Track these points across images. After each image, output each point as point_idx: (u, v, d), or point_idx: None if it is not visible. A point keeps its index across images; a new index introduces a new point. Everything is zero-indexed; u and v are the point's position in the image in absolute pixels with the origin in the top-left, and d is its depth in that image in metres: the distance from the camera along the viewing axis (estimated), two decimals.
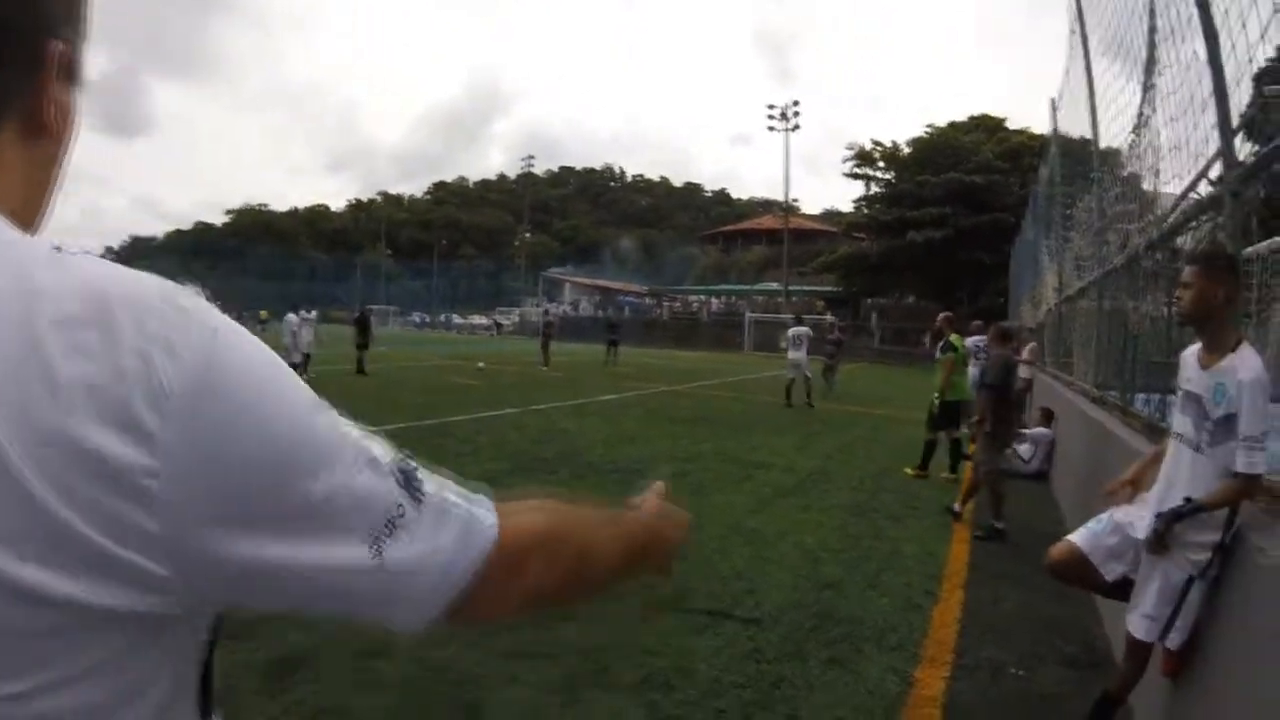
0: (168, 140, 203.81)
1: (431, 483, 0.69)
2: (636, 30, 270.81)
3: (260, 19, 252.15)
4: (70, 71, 0.65)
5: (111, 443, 0.50)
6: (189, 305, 0.57)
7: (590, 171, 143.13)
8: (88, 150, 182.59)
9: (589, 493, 4.71)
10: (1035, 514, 7.65)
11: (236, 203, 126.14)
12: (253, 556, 0.56)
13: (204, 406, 0.54)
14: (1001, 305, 30.08)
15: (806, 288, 55.58)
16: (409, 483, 0.67)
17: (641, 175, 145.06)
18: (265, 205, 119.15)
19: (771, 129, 55.96)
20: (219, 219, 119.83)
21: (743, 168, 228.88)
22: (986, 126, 49.97)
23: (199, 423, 0.53)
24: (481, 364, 25.00)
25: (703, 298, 65.13)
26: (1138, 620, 3.02)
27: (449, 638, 3.96)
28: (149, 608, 0.54)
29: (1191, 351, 3.07)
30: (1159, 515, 2.92)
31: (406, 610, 0.67)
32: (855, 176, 54.64)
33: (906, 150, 51.75)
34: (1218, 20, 3.66)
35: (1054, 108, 13.28)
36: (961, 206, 42.94)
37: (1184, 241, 4.91)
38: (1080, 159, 10.24)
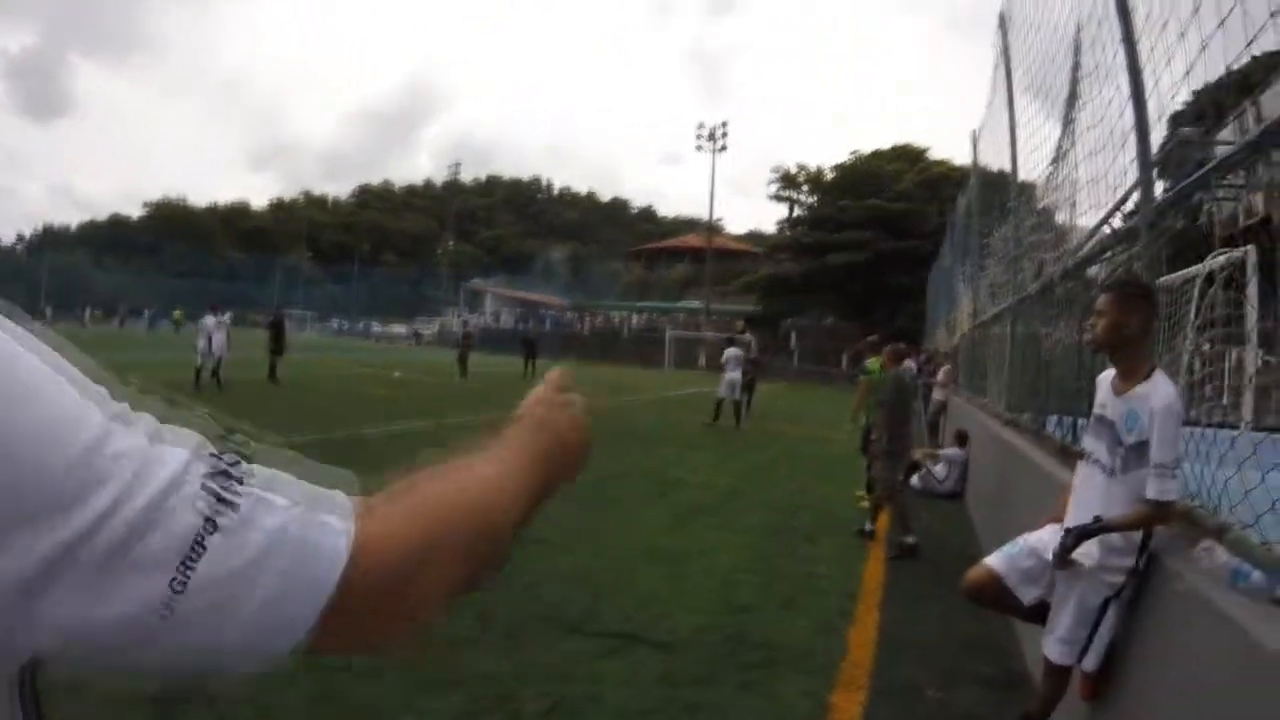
0: (88, 124, 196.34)
1: (258, 490, 0.52)
2: (571, 43, 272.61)
3: (190, 2, 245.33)
4: None
5: None
6: None
7: (518, 182, 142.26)
8: (3, 131, 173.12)
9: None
10: (950, 533, 7.74)
11: (155, 194, 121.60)
12: None
13: None
14: (918, 328, 30.82)
15: (728, 307, 56.09)
16: (224, 491, 0.50)
17: (569, 188, 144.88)
18: (184, 199, 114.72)
19: (700, 148, 56.58)
20: (136, 211, 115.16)
21: (670, 186, 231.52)
22: (909, 156, 51.58)
23: None
24: (398, 374, 24.50)
25: (624, 313, 65.13)
26: (1054, 644, 3.00)
27: (346, 664, 3.74)
28: None
29: (1106, 377, 3.08)
30: (1066, 531, 2.92)
31: (232, 658, 0.51)
32: (780, 199, 55.81)
33: (830, 175, 53.02)
34: (1142, 57, 3.71)
35: (975, 140, 13.62)
36: (881, 232, 44.12)
37: (1098, 271, 5.00)
38: (999, 190, 10.49)
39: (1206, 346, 4.76)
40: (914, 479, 10.02)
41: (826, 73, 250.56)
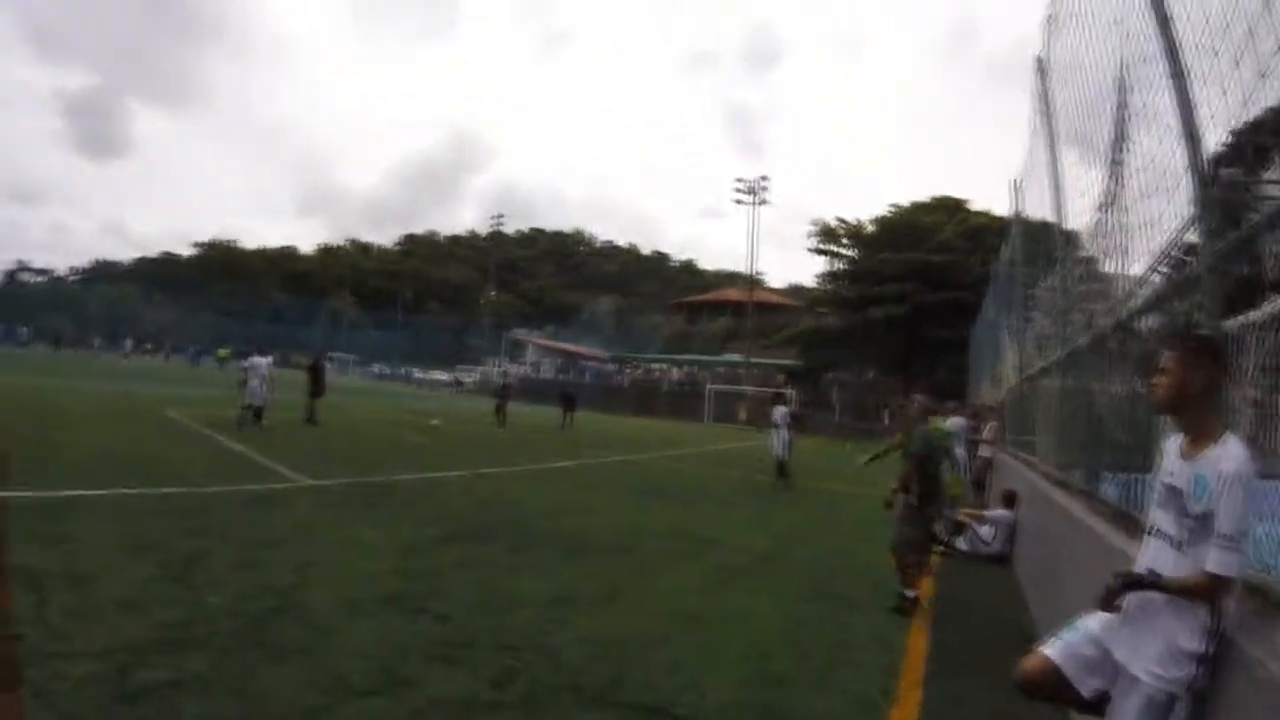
0: (142, 165, 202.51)
1: None
2: (612, 99, 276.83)
3: (245, 50, 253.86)
4: None
5: None
6: None
7: (560, 234, 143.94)
8: (61, 168, 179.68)
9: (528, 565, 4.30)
10: (998, 599, 7.35)
11: (205, 235, 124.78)
12: None
13: None
14: (960, 381, 30.21)
15: (769, 360, 55.72)
16: None
17: (611, 241, 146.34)
18: (234, 241, 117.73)
19: (739, 202, 56.72)
20: (186, 250, 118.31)
21: (710, 239, 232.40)
22: (948, 207, 51.19)
23: None
24: (437, 421, 24.50)
25: (664, 366, 64.96)
26: None
27: None
28: None
29: (1174, 442, 2.82)
30: (1116, 575, 2.66)
31: None
32: (820, 252, 55.53)
33: (870, 228, 52.77)
34: (1194, 94, 3.52)
35: (1016, 189, 13.34)
36: (922, 284, 43.60)
37: (1150, 322, 4.72)
38: (1043, 239, 10.21)
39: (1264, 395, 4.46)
40: (959, 541, 9.63)
41: (865, 125, 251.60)
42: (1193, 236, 3.67)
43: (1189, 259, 3.80)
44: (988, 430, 13.76)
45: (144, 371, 43.36)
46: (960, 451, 12.84)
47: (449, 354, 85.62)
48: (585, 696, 4.25)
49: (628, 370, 65.72)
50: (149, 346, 74.00)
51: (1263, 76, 2.61)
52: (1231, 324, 3.83)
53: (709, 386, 50.19)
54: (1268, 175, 3.33)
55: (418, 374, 77.25)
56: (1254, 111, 2.76)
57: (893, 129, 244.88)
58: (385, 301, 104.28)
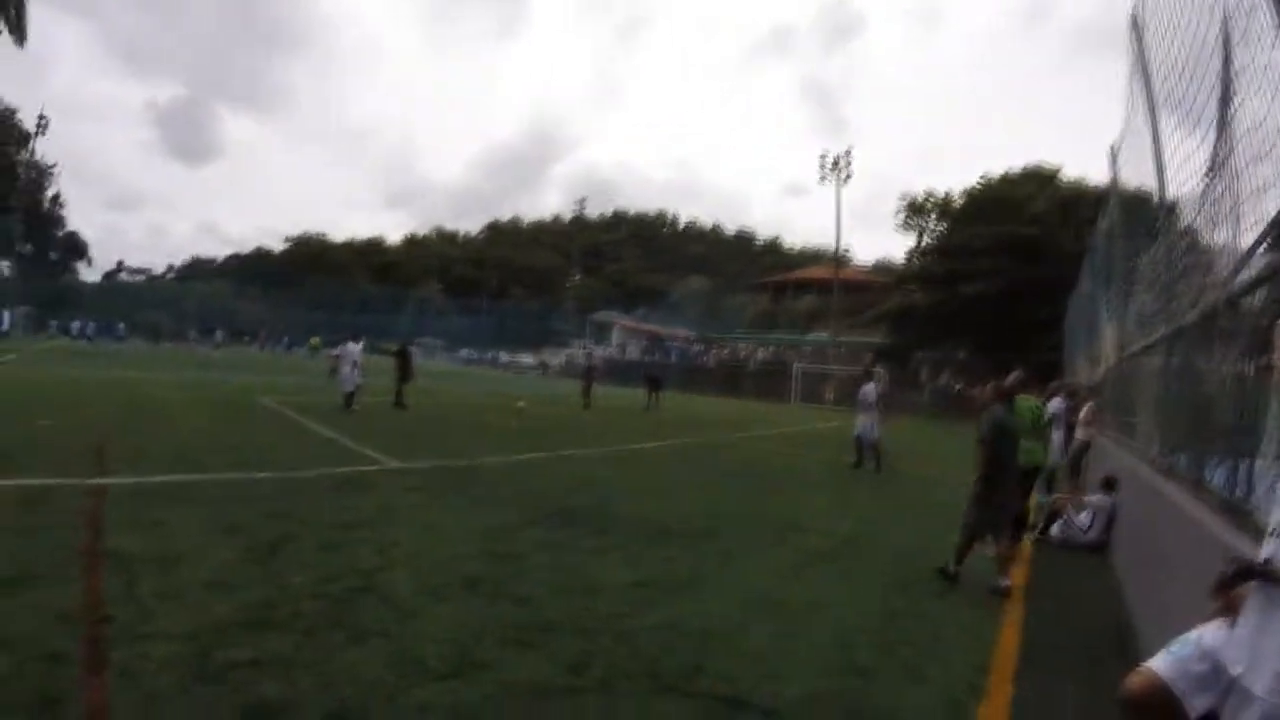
0: (232, 168, 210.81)
1: None
2: (691, 79, 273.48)
3: (327, 53, 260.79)
4: None
5: None
6: None
7: (643, 216, 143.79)
8: (157, 173, 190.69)
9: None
10: (1094, 592, 7.01)
11: (295, 231, 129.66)
12: None
13: None
14: (1055, 361, 29.10)
15: (856, 339, 54.75)
16: None
17: (694, 222, 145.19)
18: (322, 235, 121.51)
19: (824, 179, 55.66)
20: (277, 246, 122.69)
21: (795, 217, 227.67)
22: (1039, 177, 49.22)
23: None
24: (522, 404, 24.74)
25: (750, 346, 64.42)
26: None
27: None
28: None
29: None
30: (1228, 561, 2.43)
31: None
32: (907, 227, 54.29)
33: (959, 202, 51.23)
34: None
35: (1113, 155, 12.65)
36: (1014, 259, 41.99)
37: (1263, 297, 4.38)
38: (1143, 209, 9.66)
39: None
40: (1054, 528, 9.24)
41: (950, 95, 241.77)
42: None
43: None
44: (1085, 411, 13.15)
45: (238, 361, 45.07)
46: (1058, 434, 12.33)
47: (534, 338, 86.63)
48: (661, 684, 4.20)
49: (713, 350, 65.39)
50: (246, 338, 77.28)
51: None
52: None
53: (795, 366, 49.59)
54: None
55: (504, 358, 78.39)
56: None
57: (978, 98, 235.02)
58: (471, 288, 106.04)
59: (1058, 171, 49.51)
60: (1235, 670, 2.47)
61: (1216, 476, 4.98)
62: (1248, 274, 4.64)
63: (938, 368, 43.48)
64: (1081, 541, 8.91)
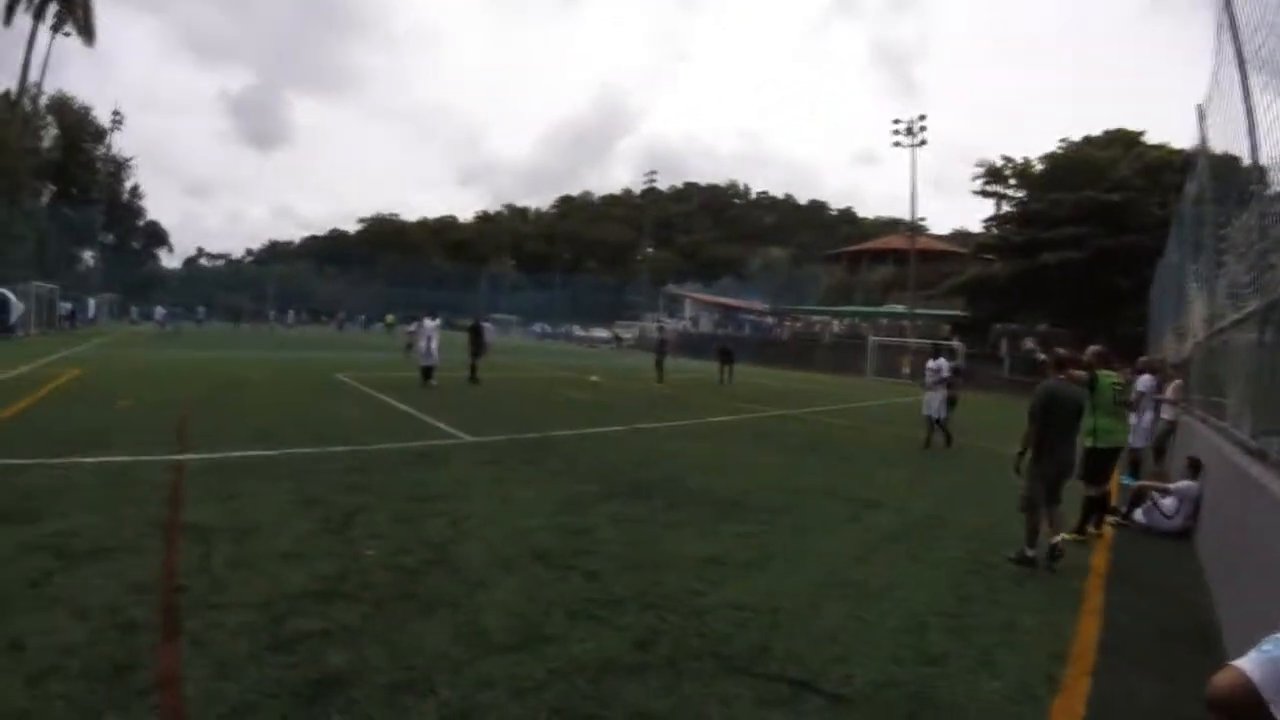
0: (305, 152, 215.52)
1: None
2: (757, 48, 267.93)
3: (395, 37, 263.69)
4: None
5: None
6: None
7: (714, 188, 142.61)
8: (232, 160, 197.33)
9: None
10: (1178, 582, 6.67)
11: (368, 212, 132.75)
12: None
13: None
14: (1139, 334, 27.94)
15: (933, 311, 53.45)
16: None
17: (766, 192, 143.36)
18: (395, 215, 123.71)
19: (897, 144, 54.10)
20: (352, 227, 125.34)
21: (869, 185, 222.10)
22: (1123, 141, 46.98)
23: None
24: (595, 377, 24.89)
25: (825, 318, 63.50)
26: None
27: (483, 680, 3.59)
28: None
29: None
30: None
31: None
32: (985, 195, 52.60)
33: (1039, 167, 49.40)
34: None
35: (1201, 115, 11.89)
36: (1097, 227, 40.20)
37: None
38: (1235, 172, 9.10)
39: None
40: (1138, 513, 8.86)
41: (1026, 57, 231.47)
42: None
43: None
44: (1171, 389, 12.53)
45: (314, 339, 46.26)
46: (1148, 415, 11.80)
47: (607, 311, 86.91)
48: (729, 664, 4.15)
49: (787, 323, 64.60)
50: (323, 318, 79.65)
51: None
52: None
53: (871, 339, 48.67)
54: None
55: (578, 332, 78.84)
56: None
57: (1057, 57, 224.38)
58: (544, 263, 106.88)
59: (1141, 134, 47.26)
60: None
61: None
62: None
63: (1016, 340, 42.03)
64: (1166, 528, 8.51)
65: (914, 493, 9.63)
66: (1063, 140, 49.02)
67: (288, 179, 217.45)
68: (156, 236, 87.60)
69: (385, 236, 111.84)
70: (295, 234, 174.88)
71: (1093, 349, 8.45)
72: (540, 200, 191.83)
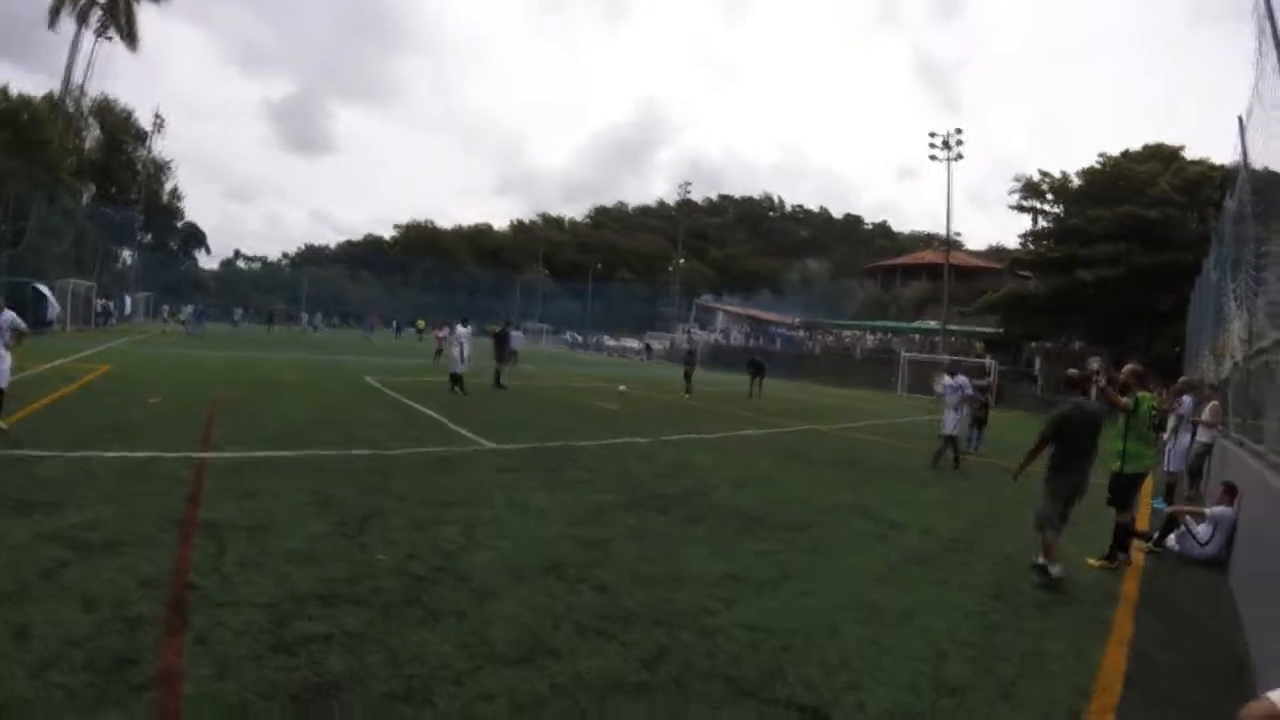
0: (345, 158, 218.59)
1: None
2: (795, 61, 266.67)
3: (435, 46, 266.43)
4: None
5: None
6: None
7: (749, 200, 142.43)
8: (273, 165, 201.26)
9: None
10: (1210, 613, 6.42)
11: (404, 219, 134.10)
12: None
13: None
14: (1176, 354, 27.26)
15: (967, 328, 52.84)
16: None
17: (801, 206, 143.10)
18: (431, 222, 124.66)
19: (934, 158, 53.59)
20: (388, 233, 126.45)
21: (905, 199, 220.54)
22: (1162, 156, 46.09)
23: None
24: (623, 388, 24.79)
25: (857, 333, 62.99)
26: None
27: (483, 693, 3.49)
28: None
29: None
30: None
31: None
32: (1022, 210, 51.93)
33: (1077, 182, 48.66)
34: None
35: (1241, 126, 11.43)
36: (1136, 243, 39.31)
37: None
38: (1275, 187, 8.81)
39: None
40: (1170, 539, 8.57)
41: (1065, 72, 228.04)
42: None
43: None
44: (1208, 411, 12.15)
45: (344, 343, 46.57)
46: (1185, 437, 11.48)
47: (640, 322, 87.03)
48: (738, 687, 4.02)
49: (819, 337, 64.20)
50: (351, 321, 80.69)
51: None
52: None
53: (903, 355, 48.18)
54: None
55: (609, 341, 78.93)
56: None
57: (1095, 72, 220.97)
58: (577, 272, 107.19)
59: (1181, 149, 46.35)
60: None
61: None
62: None
63: (1051, 358, 41.28)
64: (1198, 555, 8.22)
65: (944, 514, 9.41)
66: (1101, 154, 48.24)
67: (327, 185, 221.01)
68: (194, 237, 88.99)
69: (420, 243, 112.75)
70: (332, 239, 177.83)
71: (1128, 368, 8.20)
72: (575, 210, 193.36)
